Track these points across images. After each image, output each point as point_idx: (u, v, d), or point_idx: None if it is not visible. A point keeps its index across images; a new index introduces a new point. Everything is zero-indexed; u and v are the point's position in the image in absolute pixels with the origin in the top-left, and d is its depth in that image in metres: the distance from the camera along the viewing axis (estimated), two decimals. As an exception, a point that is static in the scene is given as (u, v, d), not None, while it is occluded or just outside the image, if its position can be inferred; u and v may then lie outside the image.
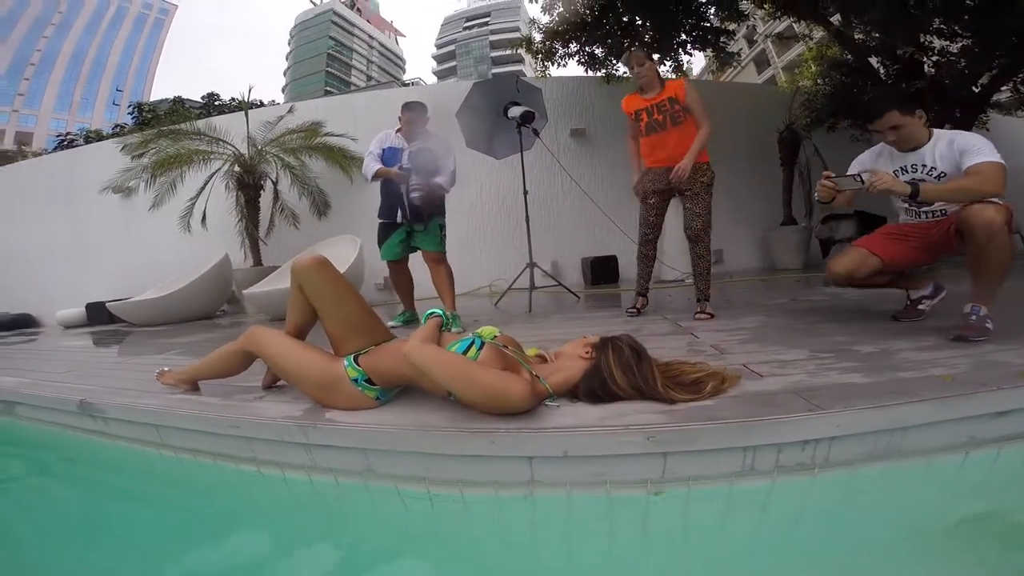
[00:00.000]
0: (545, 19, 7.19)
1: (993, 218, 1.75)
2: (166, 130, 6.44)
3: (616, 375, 1.42)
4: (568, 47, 7.12)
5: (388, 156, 3.44)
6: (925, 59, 6.38)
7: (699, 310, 2.92)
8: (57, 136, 24.05)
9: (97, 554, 1.41)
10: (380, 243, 3.50)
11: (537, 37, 7.28)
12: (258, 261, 6.26)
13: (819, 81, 7.80)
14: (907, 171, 2.09)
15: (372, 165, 3.41)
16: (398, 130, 3.55)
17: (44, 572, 1.38)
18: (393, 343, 1.67)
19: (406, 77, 72.98)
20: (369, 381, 1.54)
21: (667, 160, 2.96)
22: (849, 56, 7.16)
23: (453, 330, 2.76)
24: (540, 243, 6.57)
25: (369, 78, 71.01)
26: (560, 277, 6.80)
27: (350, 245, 5.34)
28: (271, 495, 1.60)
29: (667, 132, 2.99)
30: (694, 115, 2.96)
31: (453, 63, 62.95)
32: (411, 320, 3.61)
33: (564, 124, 7.30)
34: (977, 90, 6.22)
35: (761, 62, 30.66)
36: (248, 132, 6.45)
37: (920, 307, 2.28)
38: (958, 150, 1.93)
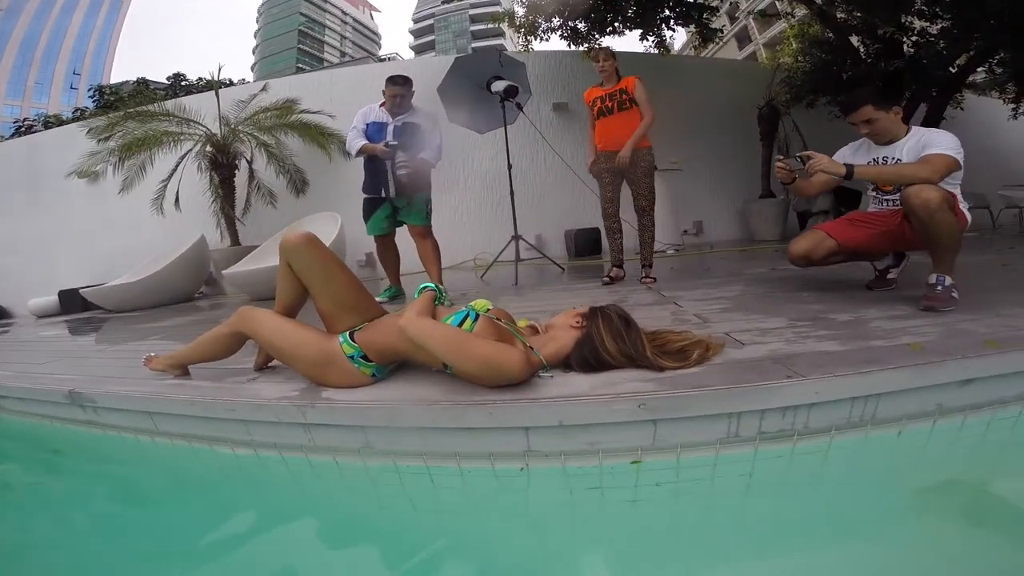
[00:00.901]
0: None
1: (930, 197, 1.84)
2: (133, 112, 6.22)
3: (607, 343, 1.46)
4: (551, 21, 7.04)
5: (372, 131, 3.36)
6: (905, 39, 6.44)
7: (644, 275, 3.40)
8: (14, 123, 23.00)
9: (96, 545, 1.41)
10: (365, 218, 3.46)
11: (520, 11, 7.17)
12: (235, 241, 6.16)
13: (800, 58, 7.85)
14: (878, 162, 2.21)
15: (356, 141, 3.33)
16: (382, 104, 3.46)
17: (45, 566, 1.35)
18: (387, 318, 1.66)
19: (382, 52, 71.05)
20: (365, 358, 1.54)
21: (614, 144, 3.41)
22: (830, 34, 7.20)
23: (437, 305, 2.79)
24: (524, 217, 6.57)
25: (343, 54, 68.96)
26: (544, 250, 6.87)
27: (331, 222, 5.27)
28: (270, 478, 1.60)
29: (614, 116, 3.44)
30: (639, 106, 3.39)
31: (431, 37, 61.40)
32: (397, 295, 3.61)
33: (547, 99, 7.27)
34: (954, 71, 6.33)
35: (743, 38, 30.73)
36: (220, 112, 6.29)
37: (889, 276, 2.38)
38: (922, 144, 2.07)
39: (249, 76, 67.51)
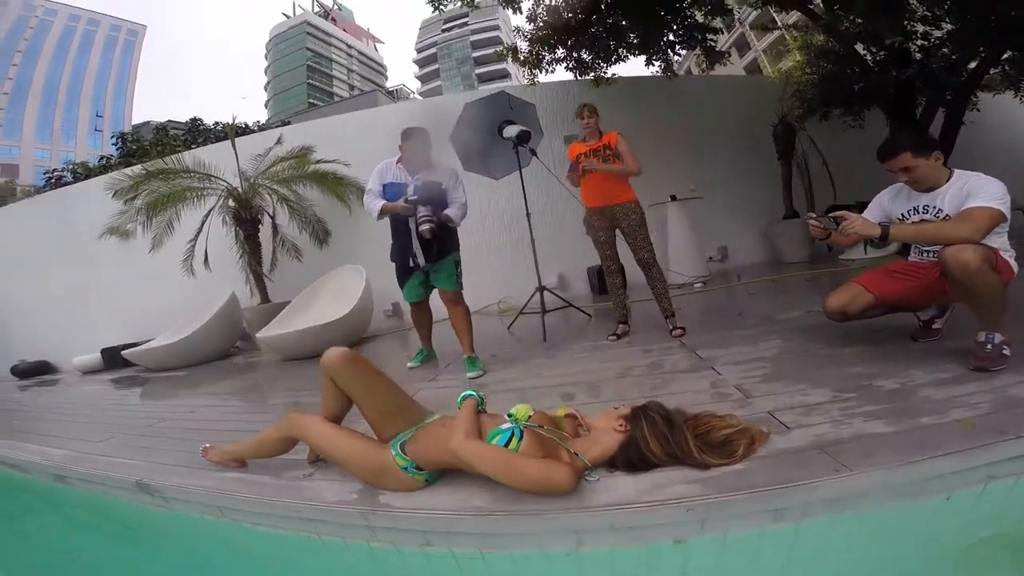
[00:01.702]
0: (529, 27, 7.21)
1: (969, 260, 1.77)
2: (154, 171, 6.39)
3: (652, 446, 1.49)
4: (555, 52, 7.13)
5: (391, 193, 3.19)
6: (912, 45, 6.41)
7: (671, 327, 3.37)
8: (44, 174, 23.93)
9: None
10: (400, 284, 3.39)
11: (523, 46, 7.28)
12: (265, 297, 6.29)
13: (807, 70, 7.82)
14: (918, 212, 2.12)
15: (374, 204, 3.20)
16: (398, 160, 3.30)
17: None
18: (434, 427, 1.71)
19: (389, 84, 72.48)
20: (417, 467, 1.61)
21: (603, 200, 3.44)
22: (834, 44, 7.19)
23: (470, 374, 2.86)
24: (545, 256, 6.58)
25: (351, 87, 70.46)
26: (567, 289, 6.85)
27: (356, 276, 5.39)
28: (332, 561, 1.68)
29: (597, 172, 3.42)
30: (623, 158, 3.39)
31: (435, 66, 62.44)
32: (429, 358, 3.66)
33: (557, 131, 7.24)
34: (965, 76, 6.26)
35: (741, 45, 30.67)
36: (238, 166, 6.47)
37: (935, 326, 2.31)
38: (966, 193, 1.95)
39: (263, 113, 69.67)
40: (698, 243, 6.24)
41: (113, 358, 6.60)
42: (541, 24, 7.01)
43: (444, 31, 62.47)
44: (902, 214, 2.19)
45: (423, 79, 63.97)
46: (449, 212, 3.18)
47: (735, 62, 28.81)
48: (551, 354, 3.36)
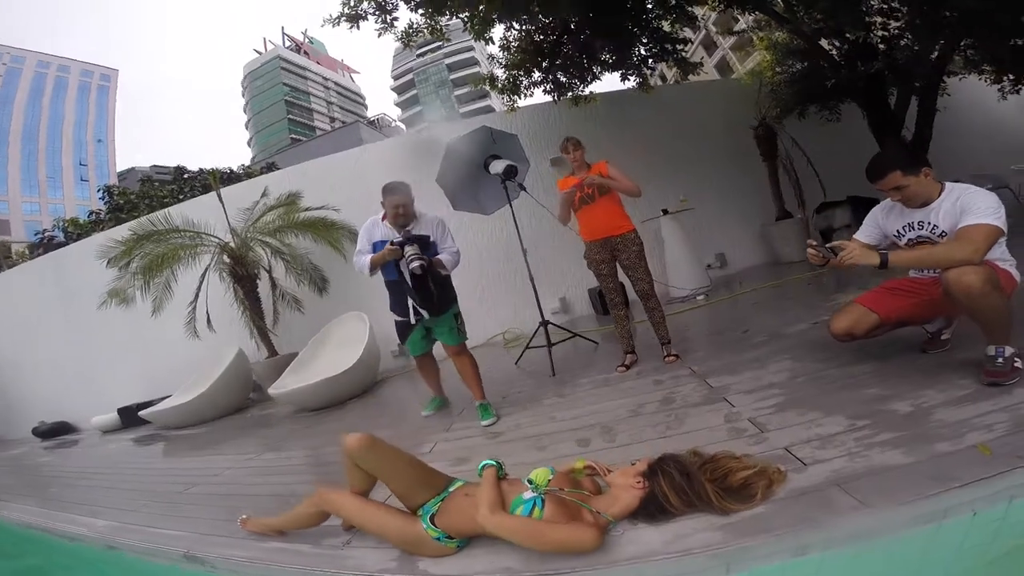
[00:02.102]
0: (503, 55, 7.31)
1: (972, 284, 1.78)
2: (144, 234, 6.41)
3: (672, 499, 1.54)
4: (531, 76, 7.23)
5: (380, 250, 3.10)
6: (873, 37, 6.54)
7: (666, 354, 3.44)
8: (36, 234, 24.01)
9: None
10: (401, 339, 3.39)
11: (500, 73, 7.38)
12: (272, 351, 6.30)
13: (777, 69, 7.97)
14: (913, 228, 2.13)
15: (363, 261, 3.16)
16: (384, 217, 3.23)
17: None
18: (459, 497, 1.78)
19: (370, 113, 72.95)
20: (448, 536, 1.69)
21: (602, 232, 3.46)
22: (799, 42, 7.32)
23: (484, 422, 2.90)
24: (544, 282, 6.63)
25: (332, 119, 70.80)
26: (570, 311, 6.84)
27: (359, 324, 5.41)
28: None
29: (595, 204, 3.45)
30: (619, 182, 3.40)
31: (414, 91, 62.83)
32: (442, 405, 3.69)
33: (543, 154, 7.35)
34: (930, 66, 6.39)
35: (708, 44, 31.07)
36: (228, 223, 6.50)
37: (943, 337, 2.32)
38: (960, 208, 1.95)
39: (247, 152, 69.84)
40: (695, 254, 6.28)
41: (130, 416, 6.74)
42: (514, 50, 7.10)
43: (419, 56, 63.16)
44: (897, 230, 2.21)
45: (403, 105, 64.31)
46: (441, 257, 3.15)
47: (705, 60, 29.17)
48: (561, 391, 3.38)
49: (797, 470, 1.64)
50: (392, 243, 2.99)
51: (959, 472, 1.41)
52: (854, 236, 2.38)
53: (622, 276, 3.55)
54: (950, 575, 1.36)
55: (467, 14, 6.18)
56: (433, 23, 6.43)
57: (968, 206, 1.93)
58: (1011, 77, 7.55)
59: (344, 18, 6.09)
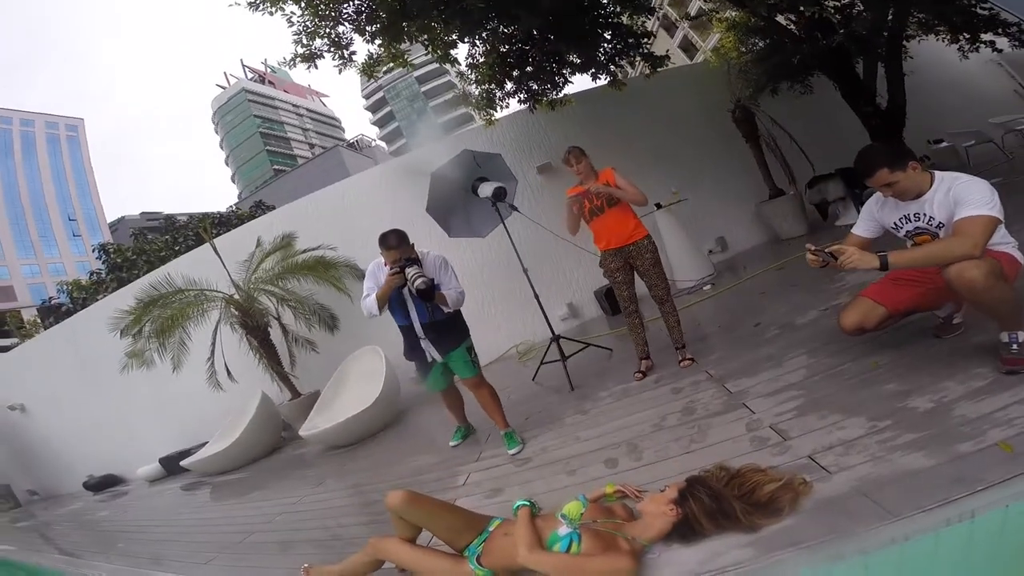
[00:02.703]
0: (472, 74, 7.32)
1: (974, 279, 1.77)
2: (150, 301, 6.50)
3: (704, 523, 1.63)
4: (504, 87, 7.23)
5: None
6: (828, 11, 6.60)
7: (681, 358, 3.48)
8: (42, 301, 24.19)
9: None
10: (422, 379, 3.47)
11: (473, 91, 7.42)
12: (295, 392, 6.42)
13: (742, 50, 8.01)
14: (909, 220, 2.15)
15: (368, 300, 3.16)
16: (386, 263, 3.19)
17: None
18: (498, 537, 1.89)
19: (348, 135, 72.63)
20: (495, 574, 1.80)
21: (616, 241, 3.47)
22: (754, 20, 7.35)
23: (511, 451, 2.98)
24: (550, 290, 6.72)
25: (312, 146, 70.58)
26: (579, 315, 6.88)
27: (375, 359, 5.50)
28: None
29: (606, 214, 3.47)
30: (626, 190, 3.41)
31: (388, 108, 62.64)
32: (468, 434, 3.76)
33: (529, 163, 7.42)
34: (886, 34, 6.43)
35: (668, 26, 31.00)
36: (230, 277, 6.62)
37: (955, 321, 2.33)
38: (953, 199, 1.95)
39: (231, 188, 69.68)
40: (694, 243, 6.34)
41: (171, 465, 7.06)
42: (481, 65, 7.10)
43: (385, 72, 62.94)
44: (895, 223, 2.24)
45: (380, 123, 64.19)
46: (443, 292, 3.13)
47: (668, 42, 29.17)
48: (583, 407, 3.44)
49: (823, 479, 1.70)
50: (392, 273, 2.99)
51: (983, 473, 1.44)
52: (852, 231, 2.41)
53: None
54: (984, 573, 1.38)
55: (426, 38, 6.19)
56: (393, 51, 6.37)
57: (961, 197, 1.93)
58: (966, 36, 7.57)
59: (300, 59, 6.03)
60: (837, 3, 6.80)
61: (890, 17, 6.30)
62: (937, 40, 8.00)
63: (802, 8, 6.42)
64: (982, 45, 7.63)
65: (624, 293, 3.55)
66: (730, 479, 1.71)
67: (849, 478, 1.66)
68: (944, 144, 9.08)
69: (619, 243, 3.45)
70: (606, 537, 1.66)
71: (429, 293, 2.95)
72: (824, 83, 7.37)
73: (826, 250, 2.05)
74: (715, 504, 1.62)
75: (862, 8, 6.47)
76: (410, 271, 2.94)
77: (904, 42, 7.03)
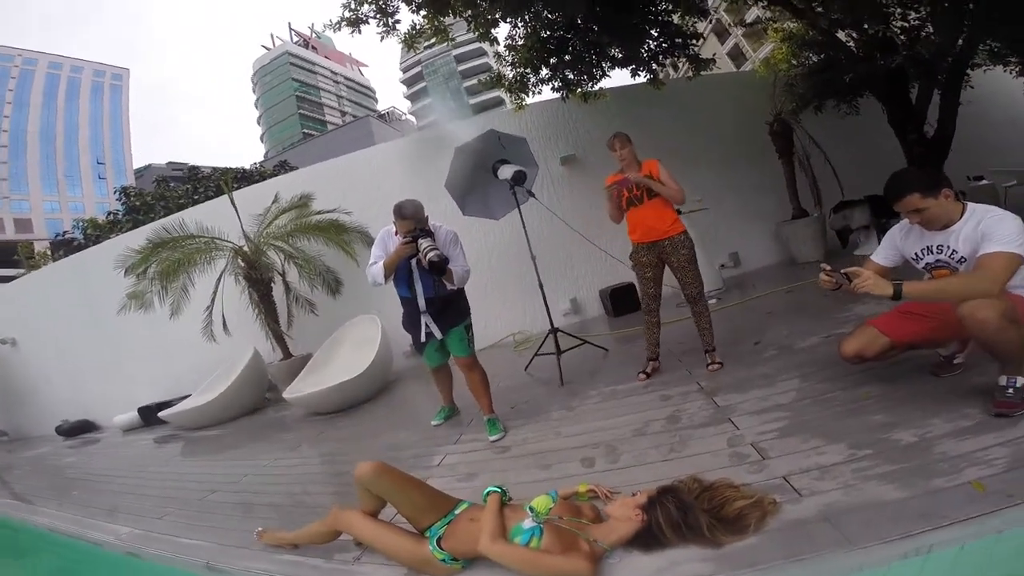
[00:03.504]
0: (510, 56, 7.24)
1: (988, 319, 1.74)
2: (160, 242, 6.54)
3: (666, 532, 1.61)
4: (539, 73, 7.12)
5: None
6: (893, 29, 6.39)
7: (710, 361, 3.36)
8: (56, 234, 24.61)
9: None
10: (418, 351, 3.46)
11: (508, 73, 7.34)
12: (287, 353, 6.44)
13: (793, 62, 7.80)
14: (931, 251, 2.08)
15: (377, 269, 3.11)
16: (397, 232, 3.19)
17: None
18: (463, 521, 1.87)
19: (380, 106, 72.81)
20: (453, 558, 1.79)
21: (650, 235, 3.37)
22: (812, 32, 7.16)
23: (492, 437, 2.96)
24: (555, 283, 6.67)
25: (343, 113, 71.01)
26: (581, 312, 6.82)
27: (371, 326, 5.50)
28: None
29: (644, 206, 3.37)
30: (666, 184, 3.32)
31: (423, 84, 62.37)
32: (451, 415, 3.74)
33: (553, 152, 7.29)
34: (952, 60, 6.22)
35: (720, 32, 30.42)
36: (242, 228, 6.64)
37: (956, 361, 2.27)
38: (981, 234, 1.88)
39: (260, 148, 70.36)
40: (707, 255, 6.15)
41: (150, 416, 6.96)
42: (519, 48, 7.03)
43: (426, 47, 62.67)
44: (916, 253, 2.17)
45: (412, 98, 64.00)
46: (451, 268, 3.06)
47: (717, 48, 28.65)
48: (570, 403, 3.40)
49: (793, 501, 1.68)
50: (404, 241, 2.97)
51: (948, 510, 1.44)
52: (870, 258, 2.35)
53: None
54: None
55: (470, 13, 6.16)
56: (436, 24, 6.38)
57: (989, 232, 1.86)
58: None
59: (345, 22, 6.07)
60: (905, 23, 6.55)
61: (959, 43, 6.05)
62: (1004, 71, 7.74)
63: (866, 25, 6.23)
64: None
65: (650, 291, 3.44)
66: (702, 491, 1.69)
67: (817, 503, 1.64)
68: (985, 182, 8.84)
69: (653, 237, 3.35)
70: (568, 536, 1.65)
71: (441, 267, 2.91)
72: (871, 105, 7.13)
73: (843, 272, 1.99)
74: (681, 515, 1.61)
75: (931, 31, 6.23)
76: (423, 242, 2.91)
77: (968, 70, 6.76)
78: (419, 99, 61.88)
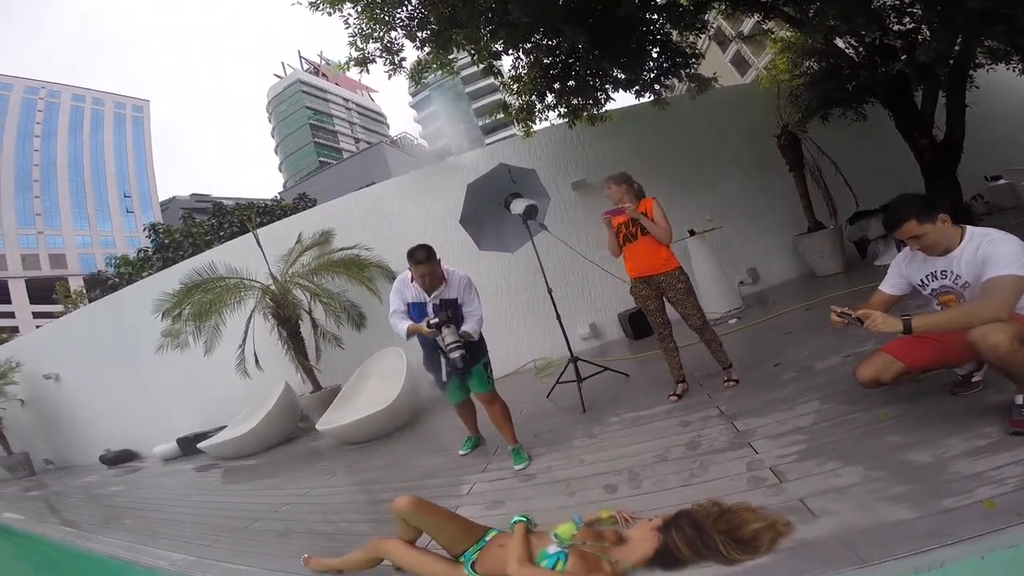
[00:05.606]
0: (515, 86, 7.41)
1: (999, 344, 1.76)
2: (192, 285, 6.87)
3: (684, 552, 1.69)
4: (544, 100, 7.26)
5: (415, 313, 3.28)
6: (891, 36, 6.42)
7: (726, 378, 3.51)
8: (89, 274, 25.52)
9: None
10: (441, 388, 3.59)
11: (514, 102, 7.50)
12: (316, 385, 6.68)
13: (795, 71, 7.85)
14: (935, 277, 2.13)
15: (401, 325, 3.24)
16: (413, 279, 3.28)
17: None
18: (493, 547, 1.99)
19: (392, 131, 74.07)
20: None
21: (645, 269, 3.53)
22: (811, 41, 7.19)
23: (517, 466, 3.07)
24: (573, 309, 6.79)
25: (357, 140, 72.40)
26: (601, 336, 6.89)
27: (397, 361, 5.65)
28: None
29: (639, 242, 3.53)
30: (657, 222, 3.48)
31: (432, 108, 63.43)
32: (477, 444, 3.87)
33: (564, 178, 7.40)
34: (952, 62, 6.24)
35: (721, 40, 30.24)
36: (269, 270, 6.93)
37: (975, 379, 2.28)
38: (982, 258, 1.91)
39: (278, 177, 71.88)
40: (725, 273, 6.21)
41: (188, 446, 7.33)
42: (524, 78, 7.16)
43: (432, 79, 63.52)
44: (921, 280, 2.21)
45: (423, 122, 65.17)
46: (467, 328, 3.20)
47: (719, 58, 28.66)
48: (591, 430, 3.49)
49: (806, 522, 1.75)
50: (428, 324, 3.07)
51: (957, 529, 1.48)
52: (879, 288, 2.40)
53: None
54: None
55: (473, 48, 6.39)
56: (441, 60, 6.64)
57: (990, 256, 1.89)
58: None
59: (353, 62, 6.43)
60: (902, 28, 6.56)
61: (957, 45, 6.07)
62: (1008, 69, 7.70)
63: (863, 32, 6.29)
64: None
65: (657, 320, 3.60)
66: (720, 514, 1.76)
67: (831, 523, 1.71)
68: (1003, 181, 8.72)
69: (648, 272, 3.51)
70: (591, 560, 1.75)
71: (460, 365, 3.04)
72: (878, 112, 7.13)
73: (853, 315, 2.07)
74: (697, 535, 1.69)
75: (928, 35, 6.25)
76: (448, 336, 3.00)
77: (971, 71, 6.76)
78: (429, 122, 62.90)
